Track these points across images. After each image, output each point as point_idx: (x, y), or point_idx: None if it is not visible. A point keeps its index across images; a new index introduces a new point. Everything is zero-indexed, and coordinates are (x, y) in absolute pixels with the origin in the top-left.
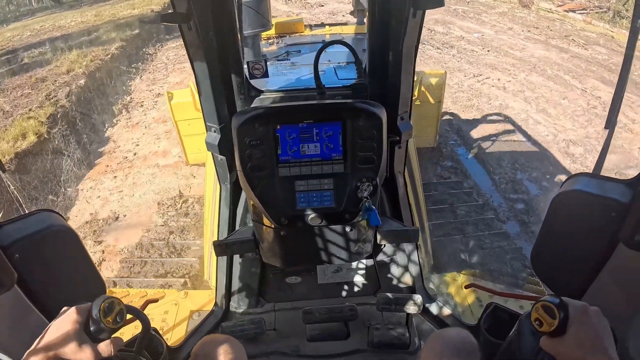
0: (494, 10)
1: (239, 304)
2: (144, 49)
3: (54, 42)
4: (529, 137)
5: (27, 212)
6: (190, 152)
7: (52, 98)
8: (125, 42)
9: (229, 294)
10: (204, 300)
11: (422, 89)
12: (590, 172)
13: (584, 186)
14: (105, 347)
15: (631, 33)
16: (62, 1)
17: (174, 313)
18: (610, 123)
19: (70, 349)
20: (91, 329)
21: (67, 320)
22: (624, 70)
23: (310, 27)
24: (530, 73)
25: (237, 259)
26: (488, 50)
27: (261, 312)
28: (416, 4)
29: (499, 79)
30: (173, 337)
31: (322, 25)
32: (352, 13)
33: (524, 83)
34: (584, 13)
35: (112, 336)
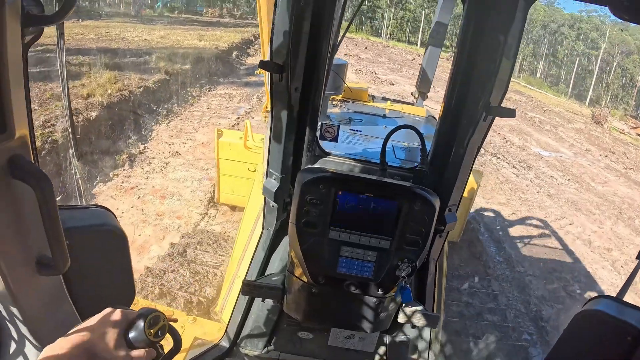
0: (570, 125)
1: (246, 345)
2: (188, 88)
3: (103, 53)
4: None
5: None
6: (224, 192)
7: (49, 127)
8: (170, 75)
9: (239, 332)
10: (211, 330)
11: None
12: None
13: (605, 307)
14: (139, 355)
15: None
16: (142, 14)
17: None
18: None
19: (106, 346)
20: (130, 335)
21: (111, 319)
22: None
23: (373, 97)
24: (617, 221)
25: (256, 301)
26: (569, 179)
27: (265, 357)
28: (489, 110)
29: (583, 228)
30: None
31: (385, 99)
32: (413, 94)
33: (610, 237)
34: None
35: (147, 348)
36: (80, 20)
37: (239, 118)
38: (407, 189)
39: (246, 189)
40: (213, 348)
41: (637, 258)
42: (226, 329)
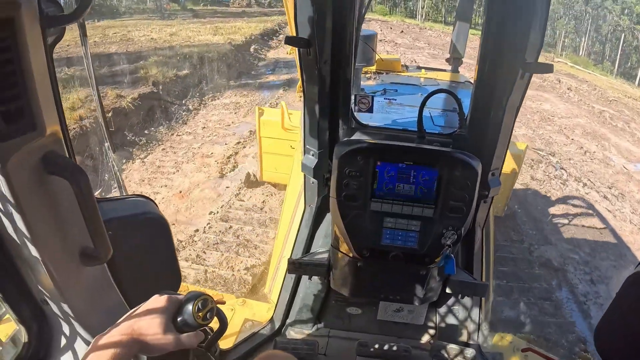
0: None
1: (295, 323)
2: (184, 100)
3: (95, 61)
4: None
5: (125, 194)
6: (267, 170)
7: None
8: (160, 86)
9: (287, 312)
10: (261, 312)
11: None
12: None
13: None
14: (188, 338)
15: None
16: (167, 8)
17: (229, 318)
18: None
19: (154, 331)
20: (178, 319)
21: (159, 305)
22: None
23: (407, 67)
24: None
25: (304, 280)
26: None
27: (316, 335)
28: (526, 67)
29: None
30: (223, 341)
31: (419, 68)
32: (447, 60)
33: None
34: None
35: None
36: (96, 20)
37: (239, 143)
38: (446, 154)
39: (289, 167)
40: (263, 329)
41: None
42: (275, 309)
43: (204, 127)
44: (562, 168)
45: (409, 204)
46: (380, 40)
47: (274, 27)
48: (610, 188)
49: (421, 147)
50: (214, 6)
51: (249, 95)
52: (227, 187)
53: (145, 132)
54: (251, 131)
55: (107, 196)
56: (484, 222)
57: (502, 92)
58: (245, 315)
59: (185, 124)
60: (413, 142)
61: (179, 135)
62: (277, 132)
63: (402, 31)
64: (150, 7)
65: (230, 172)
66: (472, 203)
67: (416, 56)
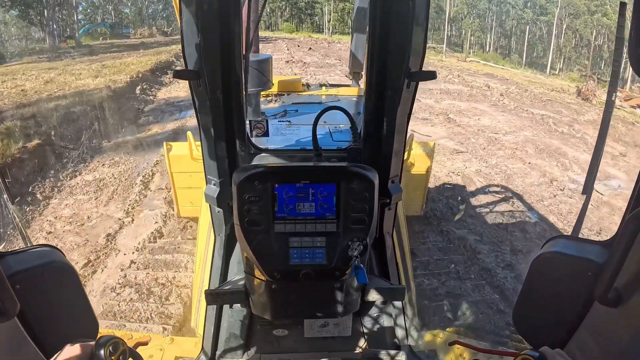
0: (582, 118)
1: (224, 354)
2: (30, 187)
3: None
4: None
5: (29, 245)
6: (183, 205)
7: None
8: None
9: (215, 343)
10: (190, 347)
11: (412, 158)
12: (569, 234)
13: (562, 248)
14: None
15: (606, 106)
16: (63, 46)
17: (159, 358)
18: (587, 189)
19: None
20: None
21: (71, 355)
22: (599, 141)
23: (308, 86)
24: None
25: (226, 308)
26: None
27: None
28: (410, 76)
29: None
30: None
31: (320, 86)
32: (347, 75)
33: None
34: None
35: None
36: None
37: (88, 264)
38: (341, 168)
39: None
40: None
41: (582, 193)
42: (202, 343)
43: (49, 232)
44: (541, 219)
45: (312, 221)
46: (288, 62)
47: (170, 58)
48: (599, 234)
49: (316, 165)
50: (113, 39)
51: (121, 161)
52: None
53: None
54: (109, 234)
55: (13, 249)
56: (392, 228)
57: (391, 103)
58: (175, 353)
59: (28, 226)
60: (311, 161)
61: None
62: (187, 165)
63: (310, 48)
64: (46, 47)
65: None
66: (373, 213)
67: (328, 76)
